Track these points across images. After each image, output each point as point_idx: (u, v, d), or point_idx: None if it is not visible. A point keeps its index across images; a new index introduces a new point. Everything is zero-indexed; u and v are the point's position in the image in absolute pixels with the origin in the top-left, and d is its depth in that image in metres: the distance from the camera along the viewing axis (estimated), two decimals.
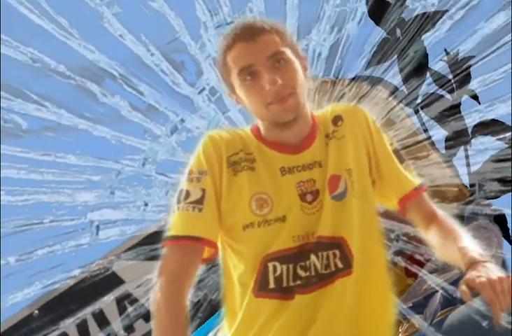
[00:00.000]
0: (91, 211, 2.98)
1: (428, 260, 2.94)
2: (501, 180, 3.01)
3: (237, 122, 2.92)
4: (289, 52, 1.48)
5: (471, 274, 1.36)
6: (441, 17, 3.28)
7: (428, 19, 3.35)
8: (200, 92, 3.02)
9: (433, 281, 3.04)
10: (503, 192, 2.99)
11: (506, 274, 1.42)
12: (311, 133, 1.50)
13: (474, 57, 3.28)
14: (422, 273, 3.07)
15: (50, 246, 2.92)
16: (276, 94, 1.45)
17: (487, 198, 2.95)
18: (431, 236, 1.49)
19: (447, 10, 3.24)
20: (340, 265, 1.44)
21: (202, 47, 3.04)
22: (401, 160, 1.53)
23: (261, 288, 1.44)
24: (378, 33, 3.18)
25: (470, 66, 3.34)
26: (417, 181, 1.53)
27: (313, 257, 1.44)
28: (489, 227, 3.19)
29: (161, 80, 3.03)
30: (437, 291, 3.08)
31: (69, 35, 3.03)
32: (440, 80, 3.40)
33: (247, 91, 1.48)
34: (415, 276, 3.17)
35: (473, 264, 1.39)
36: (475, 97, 3.37)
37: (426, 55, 3.21)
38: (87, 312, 3.24)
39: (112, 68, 3.04)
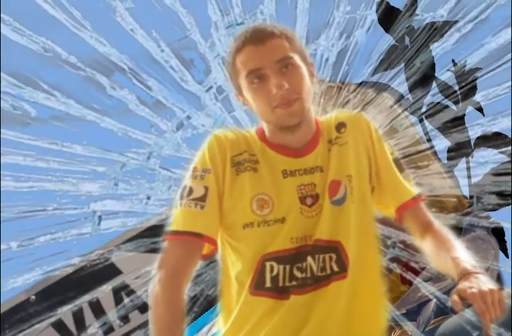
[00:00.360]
0: (95, 202, 3.04)
1: (423, 269, 2.97)
2: (500, 194, 3.04)
3: (242, 122, 2.97)
4: (297, 58, 1.50)
5: (463, 285, 1.38)
6: (449, 28, 3.32)
7: (437, 30, 3.38)
8: (207, 90, 3.06)
9: (427, 289, 3.09)
10: (501, 206, 3.04)
11: (497, 286, 1.44)
12: (314, 138, 1.52)
13: (481, 68, 3.31)
14: (417, 281, 3.12)
15: (51, 234, 2.98)
16: (282, 98, 1.47)
17: (485, 210, 2.99)
18: (425, 245, 1.51)
19: (456, 21, 3.28)
20: (335, 268, 1.46)
21: (212, 46, 3.09)
22: (401, 169, 1.55)
23: (258, 286, 1.47)
24: (386, 41, 3.23)
25: (476, 78, 3.37)
26: (415, 191, 1.55)
27: (309, 259, 1.46)
28: (487, 239, 3.22)
29: (170, 77, 3.09)
30: (431, 299, 3.12)
31: (82, 27, 3.10)
32: (446, 90, 3.42)
33: (254, 93, 1.49)
34: (409, 283, 3.22)
35: (465, 275, 1.40)
36: (480, 109, 3.40)
37: (432, 66, 3.23)
38: (83, 300, 3.30)
39: (123, 62, 3.09)
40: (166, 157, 3.10)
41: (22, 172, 3.02)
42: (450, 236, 1.52)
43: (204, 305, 2.89)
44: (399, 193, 1.55)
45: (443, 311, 3.04)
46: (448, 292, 3.05)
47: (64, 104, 3.04)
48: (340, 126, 1.55)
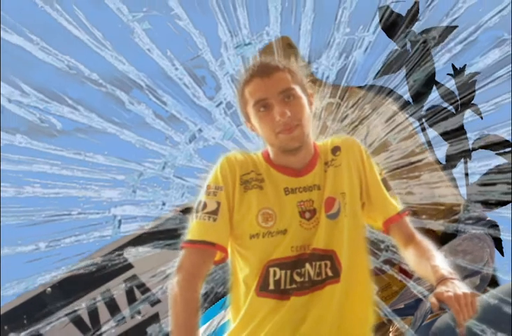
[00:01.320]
0: (115, 207, 3.13)
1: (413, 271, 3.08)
2: (485, 203, 3.12)
3: (249, 135, 3.07)
4: (298, 89, 1.64)
5: (440, 289, 1.51)
6: (449, 34, 3.31)
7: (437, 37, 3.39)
8: (217, 106, 3.15)
9: (425, 285, 3.11)
10: (485, 212, 3.09)
11: (470, 290, 1.56)
12: (313, 160, 1.66)
13: (480, 73, 3.35)
14: (414, 278, 3.15)
15: (76, 236, 3.08)
16: (285, 124, 1.61)
17: (471, 218, 3.06)
18: (408, 255, 1.64)
19: (456, 26, 3.30)
20: (330, 274, 1.60)
21: (222, 64, 3.17)
22: (388, 188, 1.68)
23: (262, 288, 1.60)
24: (382, 59, 3.31)
25: (475, 82, 3.40)
26: (400, 207, 1.69)
27: (307, 265, 1.59)
28: (483, 238, 3.26)
29: (183, 93, 3.18)
30: (428, 295, 3.09)
31: (103, 46, 3.20)
32: (446, 95, 3.44)
33: (260, 120, 1.64)
34: (410, 276, 3.25)
35: (442, 280, 1.53)
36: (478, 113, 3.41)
37: (425, 84, 3.31)
38: (97, 292, 3.41)
39: (140, 79, 3.19)
40: (179, 167, 3.18)
41: (49, 180, 3.12)
42: (430, 246, 1.65)
43: (214, 301, 3.00)
44: (386, 209, 1.68)
45: (440, 307, 3.16)
46: None
47: (86, 118, 3.14)
48: (335, 150, 1.68)
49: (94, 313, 3.49)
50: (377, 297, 3.09)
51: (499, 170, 3.08)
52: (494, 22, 3.19)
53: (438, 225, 2.95)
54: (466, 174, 3.40)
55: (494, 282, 3.33)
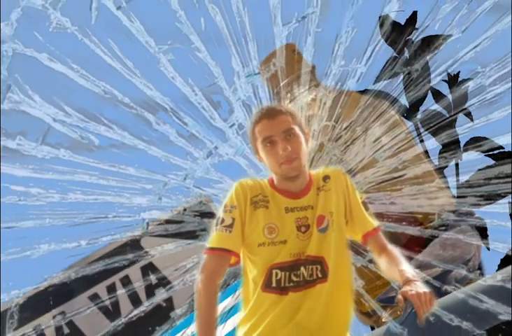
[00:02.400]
0: (144, 211, 3.34)
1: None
2: (454, 212, 3.31)
3: None
4: (297, 129, 1.88)
5: (406, 288, 1.75)
6: (443, 41, 3.41)
7: (431, 44, 3.48)
8: (231, 127, 3.34)
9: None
10: (456, 221, 3.30)
11: (429, 289, 1.77)
12: (308, 185, 1.90)
13: (472, 79, 3.46)
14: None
15: (111, 235, 3.30)
16: (286, 157, 1.85)
17: (444, 225, 3.25)
18: (381, 261, 1.90)
19: (450, 35, 3.43)
20: (320, 275, 1.85)
21: (234, 91, 3.36)
22: (367, 208, 1.93)
23: (267, 286, 1.86)
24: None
25: (467, 87, 3.49)
26: (376, 223, 1.93)
27: (302, 268, 1.84)
28: (471, 233, 3.37)
29: (202, 115, 3.39)
30: None
31: (133, 74, 3.42)
32: (440, 99, 3.54)
33: (266, 154, 1.88)
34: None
35: (407, 281, 1.78)
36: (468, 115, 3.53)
37: (417, 102, 3.48)
38: (116, 278, 3.60)
39: (165, 103, 3.39)
40: (198, 178, 3.38)
41: (89, 188, 3.34)
42: (398, 255, 1.88)
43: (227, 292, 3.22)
44: (364, 225, 1.92)
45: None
46: (435, 278, 3.23)
47: (120, 135, 3.34)
48: (325, 178, 1.92)
49: (112, 292, 3.62)
50: (362, 290, 3.27)
51: (468, 185, 3.27)
52: (469, 57, 3.40)
53: (416, 231, 3.16)
54: (457, 174, 3.53)
55: (480, 272, 3.44)
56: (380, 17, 3.56)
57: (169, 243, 3.30)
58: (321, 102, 3.26)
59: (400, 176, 3.23)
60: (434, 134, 3.49)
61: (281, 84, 3.42)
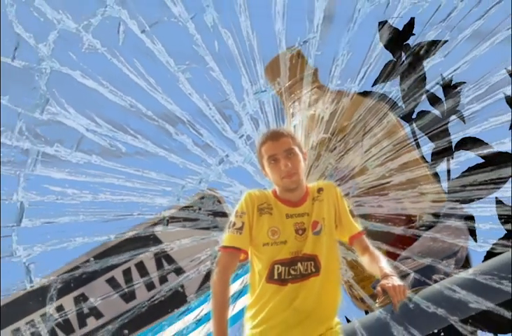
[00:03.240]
0: (164, 210, 3.52)
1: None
2: (434, 214, 3.47)
3: None
4: (296, 149, 2.15)
5: (384, 281, 2.02)
6: (439, 47, 3.50)
7: (428, 49, 3.55)
8: (240, 137, 3.51)
9: (407, 265, 3.35)
10: (435, 223, 3.47)
11: (403, 282, 2.04)
12: (304, 196, 2.16)
13: (466, 82, 3.57)
14: (398, 259, 3.42)
15: (136, 230, 3.50)
16: (287, 172, 2.12)
17: (424, 226, 3.42)
18: (364, 259, 2.17)
19: (446, 41, 3.53)
20: (313, 270, 2.11)
21: (244, 106, 3.52)
22: (353, 215, 2.18)
23: (270, 278, 2.11)
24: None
25: (460, 91, 3.59)
26: (360, 228, 2.19)
27: (299, 264, 2.10)
28: (459, 227, 3.45)
29: (215, 127, 3.55)
30: (410, 273, 3.35)
31: (155, 90, 3.59)
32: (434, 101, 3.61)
33: (271, 169, 2.15)
34: (394, 259, 3.45)
35: (385, 276, 2.05)
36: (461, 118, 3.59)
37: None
38: (131, 263, 3.64)
39: (183, 116, 3.55)
40: (211, 182, 3.55)
41: (117, 189, 3.51)
42: (378, 254, 2.16)
43: (234, 279, 3.31)
44: (351, 229, 2.19)
45: (420, 283, 3.34)
46: (424, 269, 3.39)
47: (143, 144, 3.51)
48: (319, 190, 2.18)
49: (128, 277, 3.67)
50: (352, 280, 3.49)
51: (448, 190, 3.47)
52: (450, 78, 3.56)
53: (400, 230, 3.37)
54: (448, 171, 3.63)
55: (466, 264, 3.61)
56: (379, 23, 3.67)
57: (186, 237, 3.50)
58: (319, 117, 3.46)
59: (387, 183, 3.41)
60: (430, 137, 3.61)
61: (286, 85, 3.55)
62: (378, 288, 2.04)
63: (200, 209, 3.49)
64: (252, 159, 3.50)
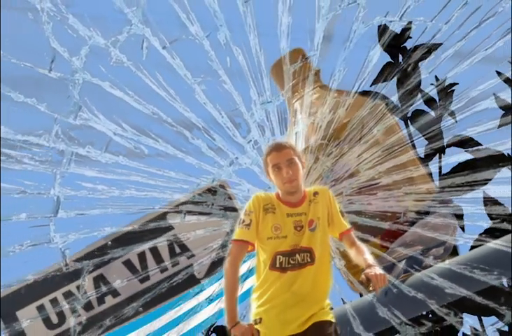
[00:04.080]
0: (181, 205, 3.72)
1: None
2: (417, 212, 3.66)
3: None
4: (296, 159, 2.37)
5: (367, 270, 2.24)
6: (434, 50, 3.62)
7: (425, 51, 3.68)
8: (248, 142, 3.72)
9: (399, 252, 3.54)
10: (417, 219, 3.65)
11: (383, 271, 2.23)
12: (302, 198, 2.38)
13: (458, 83, 3.71)
14: (391, 247, 3.62)
15: (158, 222, 3.69)
16: (288, 179, 2.34)
17: (408, 221, 3.60)
18: (351, 252, 2.41)
19: (441, 44, 3.65)
20: (309, 260, 2.31)
21: (252, 115, 3.73)
22: (343, 215, 2.40)
23: (272, 266, 2.32)
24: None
25: (453, 91, 3.70)
26: (348, 225, 2.43)
27: (297, 255, 2.31)
28: (448, 217, 3.60)
29: (226, 133, 3.78)
30: (402, 259, 3.55)
31: (174, 100, 3.80)
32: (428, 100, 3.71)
33: (275, 176, 2.38)
34: (386, 248, 3.65)
35: (368, 266, 2.27)
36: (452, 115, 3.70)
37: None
38: (145, 247, 3.79)
39: (199, 123, 3.77)
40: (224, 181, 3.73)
41: (141, 186, 3.72)
42: (363, 247, 2.37)
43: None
44: (341, 227, 2.42)
45: (412, 268, 3.52)
46: (416, 255, 3.56)
47: (164, 147, 3.71)
48: (315, 193, 2.41)
49: (142, 259, 3.81)
50: (344, 268, 3.69)
51: (428, 191, 3.65)
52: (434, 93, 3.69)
53: (386, 225, 3.57)
54: (440, 168, 3.78)
55: (455, 252, 3.75)
56: (379, 27, 3.79)
57: (200, 229, 3.72)
58: (317, 126, 3.68)
59: (376, 184, 3.61)
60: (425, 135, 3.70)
61: (290, 84, 3.68)
62: (363, 276, 2.26)
63: (213, 204, 3.68)
64: (258, 162, 3.71)
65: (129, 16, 3.76)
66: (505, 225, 3.62)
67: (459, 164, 3.73)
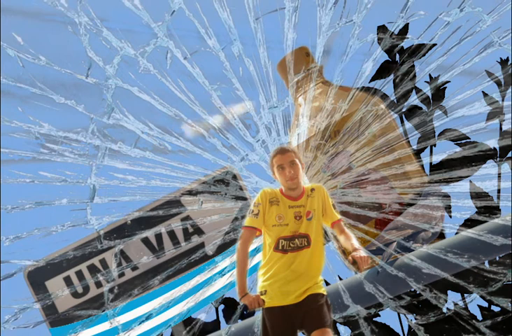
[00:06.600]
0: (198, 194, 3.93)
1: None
2: (399, 204, 3.80)
3: None
4: (297, 161, 2.63)
5: (353, 253, 2.50)
6: (428, 50, 3.71)
7: (418, 51, 3.77)
8: (257, 141, 3.91)
9: (392, 235, 3.72)
10: (401, 210, 3.82)
11: (367, 254, 2.49)
12: (302, 194, 2.63)
13: (450, 81, 3.80)
14: (385, 229, 3.78)
15: (178, 208, 3.90)
16: (290, 177, 2.59)
17: (392, 212, 3.78)
18: (340, 238, 2.66)
19: (435, 44, 3.75)
20: (306, 244, 2.56)
21: (260, 118, 3.92)
22: (334, 208, 2.64)
23: (276, 248, 2.57)
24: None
25: (445, 88, 3.79)
26: (339, 216, 2.67)
27: (296, 239, 2.56)
28: (437, 204, 3.75)
29: (238, 133, 3.97)
30: (394, 241, 3.71)
31: (194, 104, 3.99)
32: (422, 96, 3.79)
33: (279, 175, 2.62)
34: (381, 229, 3.82)
35: (355, 249, 2.53)
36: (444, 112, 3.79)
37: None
38: (161, 227, 3.98)
39: (214, 124, 3.96)
40: (235, 174, 3.93)
41: (164, 177, 3.92)
42: (351, 234, 2.62)
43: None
44: (332, 217, 2.67)
45: (403, 250, 3.69)
46: (406, 238, 3.72)
47: (185, 144, 3.91)
48: (312, 189, 2.65)
49: (159, 238, 3.97)
50: (338, 250, 3.86)
51: (410, 186, 3.83)
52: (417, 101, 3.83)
53: (374, 214, 3.78)
54: (431, 163, 3.89)
55: (441, 236, 3.90)
56: (378, 28, 3.89)
57: (215, 214, 3.96)
58: (317, 128, 3.91)
59: (366, 178, 3.80)
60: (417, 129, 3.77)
61: (294, 80, 3.82)
62: (349, 258, 2.53)
63: (226, 194, 3.90)
64: (265, 158, 3.90)
65: (155, 30, 3.94)
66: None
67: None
